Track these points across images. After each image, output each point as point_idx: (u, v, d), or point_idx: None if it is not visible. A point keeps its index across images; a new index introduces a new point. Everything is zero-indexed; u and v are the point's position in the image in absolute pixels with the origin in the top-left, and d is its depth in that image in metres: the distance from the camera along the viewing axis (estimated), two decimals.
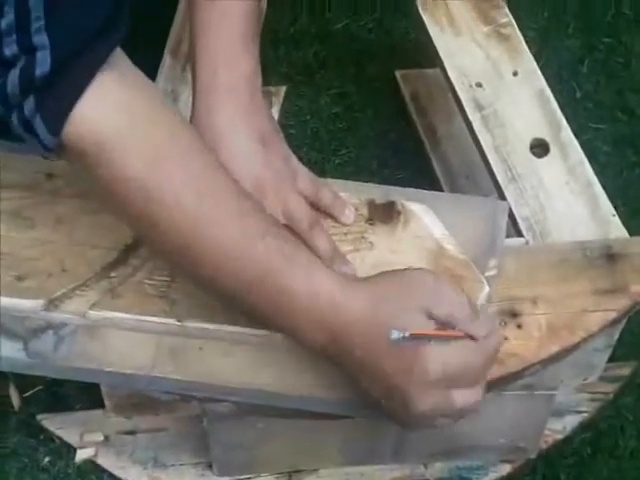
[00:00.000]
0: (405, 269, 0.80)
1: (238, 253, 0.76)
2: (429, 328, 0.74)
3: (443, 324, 0.75)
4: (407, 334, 0.73)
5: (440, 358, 0.74)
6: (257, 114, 0.89)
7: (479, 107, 1.09)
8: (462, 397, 0.75)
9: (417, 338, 0.74)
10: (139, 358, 0.85)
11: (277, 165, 0.88)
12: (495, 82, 1.11)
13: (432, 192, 0.99)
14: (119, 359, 0.85)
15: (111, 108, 0.73)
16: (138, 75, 0.76)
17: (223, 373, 0.84)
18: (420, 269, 0.82)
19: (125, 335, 0.86)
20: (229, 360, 0.84)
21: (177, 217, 0.75)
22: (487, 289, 0.87)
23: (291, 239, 0.79)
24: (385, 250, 0.90)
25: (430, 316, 0.75)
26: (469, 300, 0.78)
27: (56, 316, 0.86)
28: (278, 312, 0.77)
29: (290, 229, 0.86)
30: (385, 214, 0.93)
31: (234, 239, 0.76)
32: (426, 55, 1.22)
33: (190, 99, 0.90)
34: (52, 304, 0.86)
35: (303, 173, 0.91)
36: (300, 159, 0.92)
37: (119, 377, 0.86)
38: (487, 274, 0.88)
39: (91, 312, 0.86)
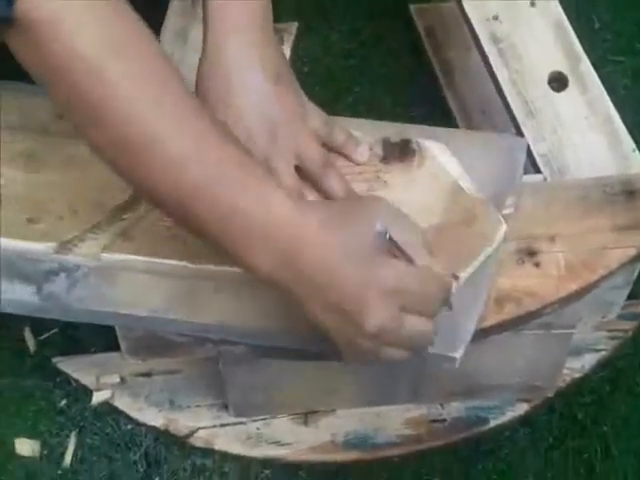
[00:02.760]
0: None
1: (187, 156, 0.71)
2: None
3: (396, 246, 0.73)
4: (387, 234, 0.72)
5: (397, 273, 0.72)
6: (269, 50, 0.87)
7: (496, 40, 1.06)
8: (412, 322, 0.73)
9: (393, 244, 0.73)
10: (153, 300, 0.85)
11: (289, 103, 0.86)
12: (512, 14, 1.08)
13: (448, 129, 0.97)
14: (133, 301, 0.85)
15: None
16: None
17: (237, 315, 0.84)
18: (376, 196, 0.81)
19: (138, 277, 0.85)
20: (243, 302, 0.84)
21: (126, 109, 0.70)
22: (504, 227, 0.86)
23: (247, 156, 0.75)
24: (400, 189, 0.89)
25: (384, 236, 0.73)
26: (424, 234, 0.76)
27: (69, 259, 0.86)
28: (225, 230, 0.73)
29: (301, 170, 0.85)
30: (400, 153, 0.91)
31: (185, 143, 0.71)
32: None
33: (200, 35, 0.88)
34: (64, 247, 0.86)
35: (315, 112, 0.89)
36: (312, 97, 0.90)
37: (133, 319, 0.85)
38: (504, 212, 0.87)
39: (104, 255, 0.85)
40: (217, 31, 0.85)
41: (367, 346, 0.73)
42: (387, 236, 0.73)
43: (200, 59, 0.86)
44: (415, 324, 0.73)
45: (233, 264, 0.76)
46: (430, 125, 0.95)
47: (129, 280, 0.86)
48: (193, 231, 0.76)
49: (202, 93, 0.85)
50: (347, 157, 0.90)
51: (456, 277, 0.82)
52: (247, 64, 0.85)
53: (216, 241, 0.74)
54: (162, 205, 0.75)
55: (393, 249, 0.73)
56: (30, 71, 0.72)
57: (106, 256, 0.85)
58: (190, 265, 0.84)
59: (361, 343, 0.73)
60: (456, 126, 1.27)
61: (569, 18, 1.07)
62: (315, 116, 0.89)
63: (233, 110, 0.84)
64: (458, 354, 0.80)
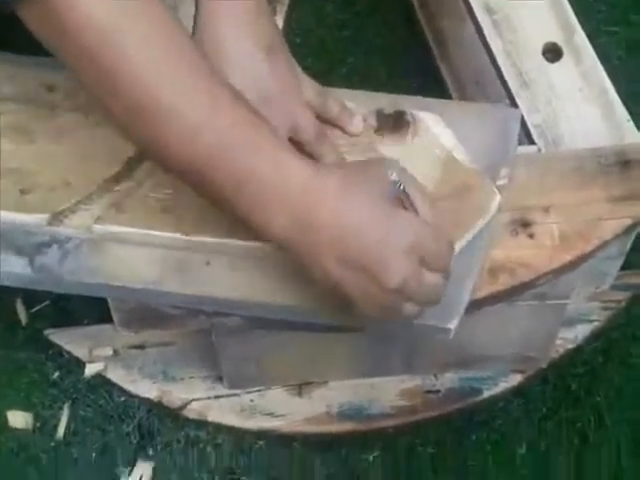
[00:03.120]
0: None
1: (201, 122, 0.71)
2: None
3: (407, 199, 0.75)
4: (402, 185, 0.73)
5: (415, 228, 0.73)
6: (261, 21, 0.86)
7: (490, 11, 1.06)
8: (429, 277, 0.73)
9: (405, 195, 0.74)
10: (146, 273, 0.84)
11: (282, 75, 0.86)
12: None
13: (442, 100, 0.97)
14: (125, 274, 0.84)
15: None
16: None
17: (230, 287, 0.83)
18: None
19: (131, 250, 0.85)
20: (236, 274, 0.84)
21: (140, 75, 0.71)
22: (498, 198, 0.86)
23: (261, 119, 0.75)
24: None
25: (398, 186, 0.74)
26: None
27: (61, 231, 0.85)
28: (241, 195, 0.73)
29: (296, 141, 0.85)
30: (394, 124, 0.91)
31: (199, 109, 0.72)
32: None
33: (192, 9, 0.87)
34: (56, 219, 0.85)
35: (308, 83, 0.88)
36: (306, 69, 0.89)
37: (126, 292, 0.85)
38: (498, 183, 0.87)
39: (96, 226, 0.85)
40: (208, 3, 0.84)
41: (387, 300, 0.73)
42: (401, 187, 0.73)
43: (192, 31, 0.85)
44: (432, 279, 0.74)
45: (249, 229, 0.76)
46: (424, 96, 0.95)
47: (121, 252, 0.85)
48: (209, 196, 0.76)
49: None
50: (341, 128, 0.90)
51: None
52: (239, 36, 0.84)
53: (232, 206, 0.74)
54: (177, 171, 0.76)
55: (405, 202, 0.74)
56: (43, 41, 0.72)
57: (98, 228, 0.85)
58: (183, 237, 0.84)
59: (381, 297, 0.73)
60: (450, 97, 1.26)
61: None
62: (309, 87, 0.88)
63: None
64: (452, 325, 0.80)
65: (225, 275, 0.84)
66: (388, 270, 0.72)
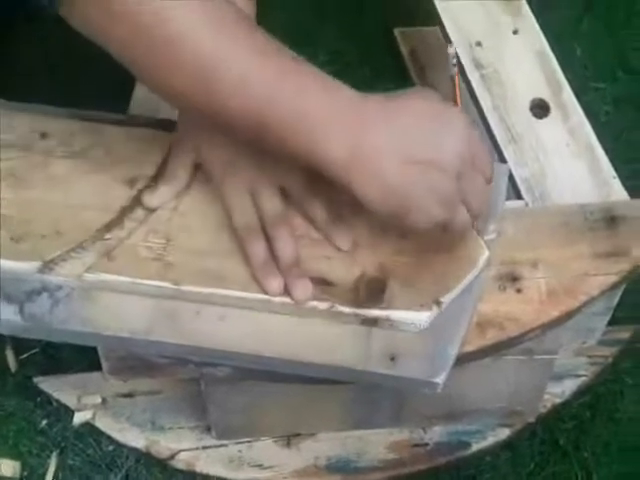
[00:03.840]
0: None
1: (249, 73, 0.75)
2: None
3: None
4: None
5: (464, 121, 0.78)
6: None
7: (478, 66, 1.07)
8: (479, 178, 0.79)
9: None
10: (135, 322, 0.84)
11: None
12: (495, 41, 1.09)
13: None
14: (115, 323, 0.84)
15: None
16: None
17: (220, 337, 0.84)
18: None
19: (121, 298, 0.85)
20: (226, 325, 0.84)
21: (185, 32, 0.74)
22: (487, 253, 0.86)
23: (305, 63, 0.79)
24: None
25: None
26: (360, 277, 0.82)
27: (51, 279, 0.85)
28: (295, 130, 0.76)
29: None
30: None
31: (244, 61, 0.75)
32: (425, 12, 1.20)
33: None
34: (47, 267, 0.85)
35: None
36: None
37: (115, 340, 0.85)
38: (487, 238, 0.88)
39: (87, 275, 0.85)
40: None
41: (449, 190, 0.76)
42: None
43: None
44: (480, 180, 0.79)
45: (305, 163, 0.78)
46: None
47: (111, 301, 0.85)
48: (267, 143, 0.78)
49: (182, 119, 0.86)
50: None
51: (438, 302, 0.82)
52: None
53: (290, 146, 0.77)
54: (236, 124, 0.78)
55: None
56: (89, 31, 0.76)
57: (89, 276, 0.85)
58: (172, 287, 0.84)
59: (443, 187, 0.76)
60: None
61: (551, 46, 1.09)
62: None
63: (217, 136, 0.84)
64: (440, 379, 0.80)
65: (215, 325, 0.84)
66: (448, 154, 0.76)
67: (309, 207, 0.87)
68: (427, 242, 0.86)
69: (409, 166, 0.76)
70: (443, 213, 0.77)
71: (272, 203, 0.85)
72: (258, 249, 0.84)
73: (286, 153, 0.78)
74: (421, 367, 0.78)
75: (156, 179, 0.90)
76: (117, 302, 0.85)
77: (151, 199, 0.88)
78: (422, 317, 0.81)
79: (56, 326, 0.85)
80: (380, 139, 0.76)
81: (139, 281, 0.85)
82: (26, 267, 0.85)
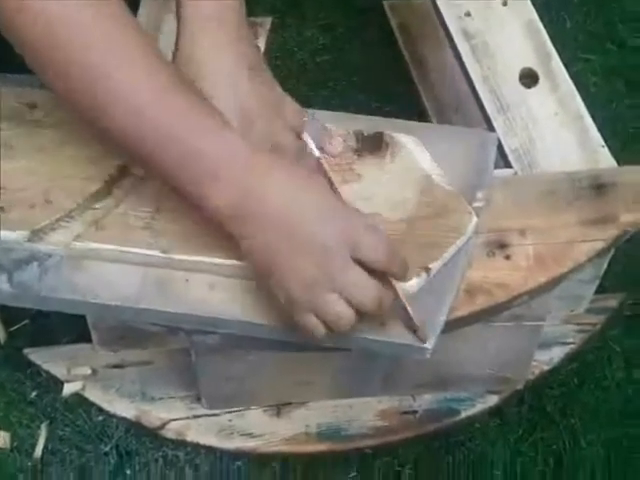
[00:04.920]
0: None
1: (146, 103, 0.75)
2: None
3: None
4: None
5: (349, 214, 0.76)
6: (242, 42, 0.87)
7: (468, 37, 1.07)
8: (362, 275, 0.75)
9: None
10: (124, 290, 0.85)
11: (264, 94, 0.86)
12: (484, 12, 1.09)
13: (420, 123, 0.98)
14: (104, 291, 0.85)
15: None
16: None
17: (209, 305, 0.84)
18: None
19: (110, 267, 0.85)
20: (214, 292, 0.84)
21: (81, 59, 0.74)
22: (475, 219, 0.87)
23: (204, 102, 0.79)
24: (372, 182, 0.90)
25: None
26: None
27: (40, 247, 0.86)
28: (185, 169, 0.76)
29: None
30: (373, 145, 0.92)
31: (142, 90, 0.75)
32: None
33: (173, 28, 0.88)
34: (36, 235, 0.85)
35: (289, 104, 0.89)
36: (286, 92, 0.90)
37: (105, 309, 0.85)
38: (475, 205, 0.88)
39: (75, 243, 0.85)
40: (190, 25, 0.86)
41: (317, 273, 0.75)
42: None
43: (173, 52, 0.86)
44: (360, 276, 0.75)
45: (196, 206, 0.79)
46: (403, 119, 0.96)
47: (100, 269, 0.85)
48: (159, 176, 0.80)
49: None
50: (320, 149, 0.91)
51: (427, 269, 0.83)
52: (220, 57, 0.85)
53: (179, 184, 0.78)
54: (128, 150, 0.79)
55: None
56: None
57: (77, 244, 0.85)
58: (161, 255, 0.85)
59: (312, 270, 0.75)
60: (429, 120, 1.27)
61: (541, 18, 1.09)
62: (290, 108, 0.89)
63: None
64: (429, 344, 0.81)
65: (203, 293, 0.84)
66: (327, 240, 0.74)
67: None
68: (415, 211, 0.86)
69: (289, 243, 0.75)
70: (307, 295, 0.76)
71: (289, 139, 0.86)
72: None
73: (173, 186, 0.79)
74: (408, 331, 0.79)
75: None
76: (106, 270, 0.85)
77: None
78: (411, 283, 0.82)
79: (45, 294, 0.85)
80: (267, 196, 0.76)
81: (128, 249, 0.85)
82: (15, 236, 0.85)
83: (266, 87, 0.87)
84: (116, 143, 0.79)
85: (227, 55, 0.85)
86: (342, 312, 0.75)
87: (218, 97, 0.82)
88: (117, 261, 0.85)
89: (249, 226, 0.76)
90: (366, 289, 0.75)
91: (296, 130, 0.88)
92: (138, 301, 0.84)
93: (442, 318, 0.83)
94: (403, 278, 0.78)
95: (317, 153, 0.83)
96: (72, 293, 0.85)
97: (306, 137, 0.81)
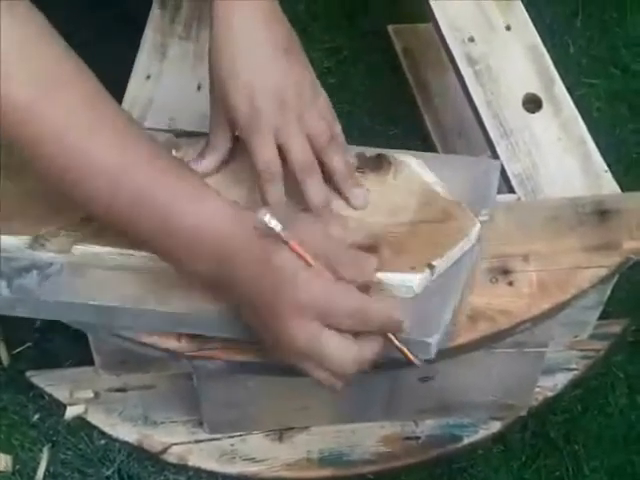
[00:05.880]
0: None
1: (118, 181, 0.75)
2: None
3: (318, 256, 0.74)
4: (271, 223, 0.73)
5: (310, 284, 0.73)
6: (276, 24, 0.85)
7: (471, 62, 1.07)
8: (334, 341, 0.73)
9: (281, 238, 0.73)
10: (125, 293, 0.84)
11: (299, 78, 0.85)
12: (488, 36, 1.09)
13: (422, 153, 0.98)
14: (104, 294, 0.84)
15: None
16: (27, 6, 0.75)
17: (208, 307, 0.83)
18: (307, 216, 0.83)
19: (111, 272, 0.85)
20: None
21: (58, 143, 0.74)
22: (479, 226, 0.86)
23: (181, 170, 0.78)
24: (376, 195, 0.89)
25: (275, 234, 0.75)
26: (351, 245, 0.78)
27: (42, 255, 0.85)
28: (163, 243, 0.77)
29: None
30: (376, 165, 0.92)
31: (114, 167, 0.75)
32: (419, 9, 1.20)
33: (179, 53, 0.88)
34: (37, 242, 0.85)
35: (322, 92, 0.88)
36: None
37: (104, 312, 0.85)
38: (479, 218, 0.87)
39: (77, 247, 0.85)
40: (223, 8, 0.84)
41: (285, 354, 0.76)
42: (273, 227, 0.73)
43: (209, 38, 0.85)
44: (339, 344, 0.74)
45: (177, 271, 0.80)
46: (408, 144, 0.96)
47: (101, 274, 0.85)
48: (138, 244, 0.80)
49: (214, 72, 0.85)
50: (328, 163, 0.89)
51: (431, 266, 0.82)
52: (254, 39, 0.84)
53: (158, 254, 0.79)
54: (105, 223, 0.80)
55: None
56: None
57: (78, 248, 0.85)
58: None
59: (279, 350, 0.76)
60: (433, 145, 1.28)
61: (544, 42, 1.09)
62: (323, 96, 0.87)
63: (242, 86, 0.83)
64: (432, 340, 0.79)
65: (203, 295, 0.84)
66: (286, 328, 0.74)
67: (333, 156, 0.86)
68: (418, 216, 0.86)
69: (255, 314, 0.76)
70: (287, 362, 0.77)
71: (303, 150, 0.85)
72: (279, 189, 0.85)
73: (162, 258, 0.80)
74: (413, 328, 0.78)
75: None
76: (107, 275, 0.85)
77: (197, 169, 0.87)
78: (414, 279, 0.81)
79: (44, 298, 0.85)
80: (235, 289, 0.76)
81: (127, 252, 0.85)
82: (16, 243, 0.85)
83: (302, 70, 0.85)
84: (95, 217, 0.81)
85: (261, 39, 0.84)
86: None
87: (252, 83, 0.82)
88: (118, 265, 0.85)
89: (232, 288, 0.77)
90: (344, 353, 0.74)
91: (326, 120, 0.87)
92: (137, 303, 0.84)
93: (447, 316, 0.81)
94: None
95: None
96: (71, 297, 0.84)
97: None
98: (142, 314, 0.84)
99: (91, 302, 0.84)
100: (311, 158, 0.85)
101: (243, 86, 0.83)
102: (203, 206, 0.76)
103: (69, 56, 0.76)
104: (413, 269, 0.81)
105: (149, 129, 0.94)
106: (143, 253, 0.84)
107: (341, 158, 0.87)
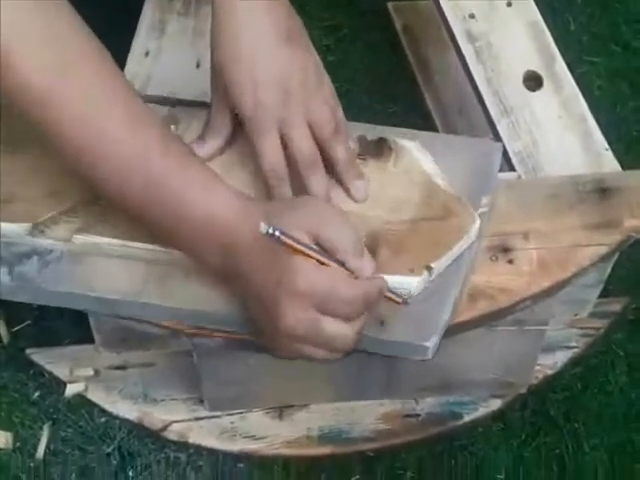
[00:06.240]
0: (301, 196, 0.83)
1: (132, 165, 0.76)
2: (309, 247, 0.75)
3: (325, 249, 0.75)
4: (276, 232, 0.73)
5: (310, 275, 0.74)
6: (279, 9, 0.84)
7: (472, 39, 1.07)
8: (331, 325, 0.75)
9: (284, 243, 0.74)
10: (125, 284, 0.84)
11: (302, 63, 0.84)
12: (488, 13, 1.09)
13: (425, 132, 0.97)
14: (105, 285, 0.85)
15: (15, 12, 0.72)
16: None
17: (209, 300, 0.84)
18: (315, 198, 0.83)
19: (111, 261, 0.85)
20: (215, 288, 0.84)
21: (75, 129, 0.75)
22: (478, 222, 0.86)
23: (191, 157, 0.79)
24: (376, 184, 0.89)
25: (315, 238, 0.75)
26: (358, 237, 0.78)
27: (42, 241, 0.85)
28: (174, 230, 0.78)
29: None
30: (377, 151, 0.92)
31: (128, 150, 0.76)
32: None
33: (177, 29, 0.88)
34: (38, 229, 0.85)
35: (327, 79, 0.87)
36: None
37: (104, 303, 0.85)
38: (479, 210, 0.88)
39: (77, 236, 0.85)
40: None
41: (284, 343, 0.77)
42: (278, 236, 0.73)
43: (211, 24, 0.84)
44: (335, 328, 0.76)
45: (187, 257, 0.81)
46: (407, 120, 0.95)
47: (102, 264, 0.85)
48: (151, 232, 0.81)
49: (215, 56, 0.84)
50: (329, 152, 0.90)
51: (429, 268, 0.82)
52: (257, 25, 0.83)
53: (171, 242, 0.81)
54: (121, 208, 0.81)
55: (321, 252, 0.75)
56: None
57: (79, 238, 0.85)
58: (163, 250, 0.84)
59: (278, 340, 0.77)
60: (433, 123, 1.27)
61: (545, 19, 1.09)
62: (327, 83, 0.87)
63: (245, 72, 0.83)
64: (430, 343, 0.80)
65: (204, 288, 0.84)
66: (282, 314, 0.75)
67: (337, 146, 0.86)
68: (418, 213, 0.86)
69: (254, 301, 0.77)
70: (283, 353, 0.80)
71: (307, 144, 0.85)
72: (287, 191, 0.85)
73: (167, 242, 0.82)
74: (411, 331, 0.79)
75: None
76: (108, 265, 0.85)
77: (199, 153, 0.86)
78: (413, 281, 0.81)
79: (45, 286, 0.85)
80: (240, 278, 0.77)
81: (130, 244, 0.85)
82: (16, 229, 0.85)
83: (304, 55, 0.85)
84: (111, 201, 0.81)
85: (263, 25, 0.83)
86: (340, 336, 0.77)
87: (256, 69, 0.82)
88: (119, 256, 0.85)
89: (237, 277, 0.78)
90: (341, 336, 0.77)
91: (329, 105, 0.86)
92: (137, 295, 0.84)
93: (445, 318, 0.82)
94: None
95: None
96: (72, 287, 0.85)
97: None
98: (143, 307, 0.84)
99: (91, 294, 0.84)
100: (315, 153, 0.85)
101: (246, 74, 0.83)
102: (214, 195, 0.77)
103: (90, 39, 0.77)
104: (411, 271, 0.82)
105: (147, 96, 0.94)
106: (144, 244, 0.84)
107: (344, 149, 0.87)
